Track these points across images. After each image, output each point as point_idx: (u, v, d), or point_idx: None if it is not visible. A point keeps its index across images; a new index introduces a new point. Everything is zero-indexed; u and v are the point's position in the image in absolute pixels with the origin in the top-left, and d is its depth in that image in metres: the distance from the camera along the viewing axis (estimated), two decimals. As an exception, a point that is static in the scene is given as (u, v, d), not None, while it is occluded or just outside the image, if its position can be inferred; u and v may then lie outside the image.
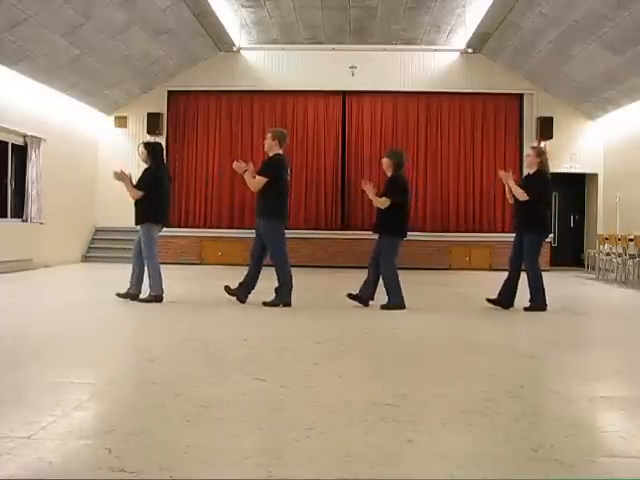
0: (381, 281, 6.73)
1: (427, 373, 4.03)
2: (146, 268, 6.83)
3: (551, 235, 13.65)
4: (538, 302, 6.65)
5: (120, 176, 6.88)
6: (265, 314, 6.38)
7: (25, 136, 11.07)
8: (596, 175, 13.98)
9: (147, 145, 7.15)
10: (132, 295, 6.84)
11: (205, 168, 14.28)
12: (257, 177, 6.66)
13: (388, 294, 6.67)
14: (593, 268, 12.12)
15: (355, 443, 2.68)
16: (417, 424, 2.89)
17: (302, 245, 13.52)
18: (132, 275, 6.93)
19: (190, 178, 14.34)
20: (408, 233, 6.92)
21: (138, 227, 7.01)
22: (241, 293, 6.77)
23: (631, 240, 10.38)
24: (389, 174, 6.83)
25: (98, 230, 13.82)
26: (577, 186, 14.55)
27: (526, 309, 6.66)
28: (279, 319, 6.13)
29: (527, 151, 6.92)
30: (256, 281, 6.79)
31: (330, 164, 14.20)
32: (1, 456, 2.40)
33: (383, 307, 6.62)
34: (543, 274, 6.78)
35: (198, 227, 14.02)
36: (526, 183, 6.79)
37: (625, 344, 5.24)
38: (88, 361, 4.25)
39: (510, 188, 6.70)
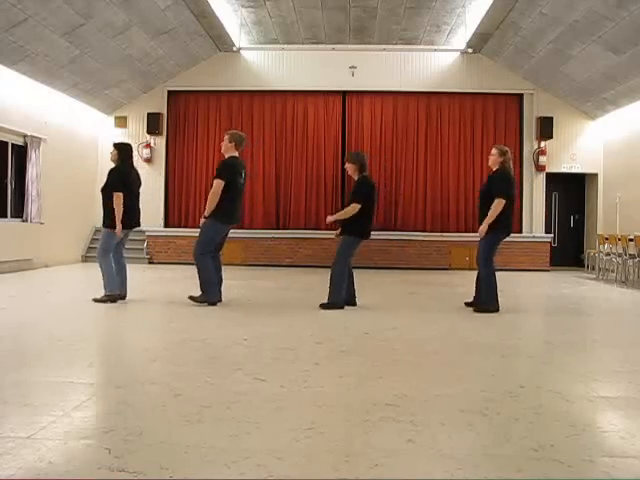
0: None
1: (427, 373, 4.03)
2: (98, 267, 6.81)
3: (550, 235, 13.76)
4: (489, 302, 6.57)
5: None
6: (264, 314, 6.38)
7: (25, 136, 11.08)
8: (596, 175, 13.99)
9: (116, 145, 7.09)
10: (117, 296, 6.84)
11: (205, 168, 14.29)
12: (215, 181, 6.64)
13: (331, 292, 6.66)
14: (593, 268, 12.11)
15: (355, 443, 2.68)
16: (417, 424, 2.89)
17: (302, 245, 13.54)
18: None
19: (190, 178, 14.36)
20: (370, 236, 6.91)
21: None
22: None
23: (631, 240, 10.37)
24: (355, 178, 6.81)
25: (98, 230, 13.78)
26: (577, 186, 14.55)
27: (476, 310, 6.60)
28: (279, 319, 6.13)
29: (492, 150, 6.90)
30: (219, 274, 6.86)
31: (330, 164, 14.21)
32: (1, 456, 2.40)
33: (323, 306, 6.64)
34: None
35: (198, 227, 13.98)
36: (489, 184, 6.73)
37: (625, 344, 5.24)
38: (88, 361, 4.25)
39: (488, 222, 6.53)
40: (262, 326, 5.68)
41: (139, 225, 7.19)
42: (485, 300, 6.59)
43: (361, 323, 5.93)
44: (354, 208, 6.57)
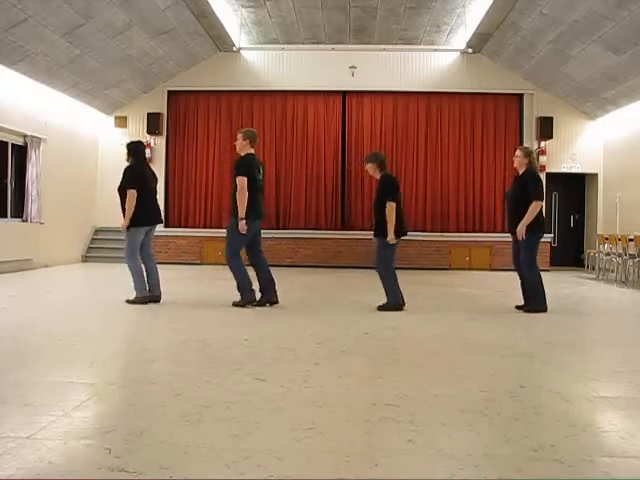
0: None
1: (427, 373, 4.03)
2: (128, 269, 6.78)
3: (550, 235, 13.75)
4: (539, 304, 6.63)
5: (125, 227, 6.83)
6: (264, 314, 6.38)
7: (25, 136, 11.08)
8: (596, 175, 13.99)
9: (128, 145, 7.07)
10: (150, 298, 6.83)
11: (205, 168, 14.30)
12: (237, 179, 6.56)
13: (387, 293, 6.66)
14: (593, 268, 12.12)
15: (355, 443, 2.68)
16: (417, 424, 2.89)
17: (302, 245, 13.54)
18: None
19: (190, 178, 14.36)
20: (408, 232, 6.93)
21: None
22: (268, 297, 6.79)
23: (631, 240, 10.38)
24: (377, 177, 6.81)
25: (98, 230, 13.83)
26: (577, 186, 14.55)
27: (527, 310, 6.64)
28: (278, 319, 6.13)
29: (516, 152, 6.90)
30: (270, 277, 6.78)
31: (330, 164, 14.21)
32: (1, 456, 2.40)
33: (380, 308, 6.62)
34: (542, 274, 6.77)
35: (198, 227, 14.03)
36: (519, 186, 6.72)
37: (625, 344, 5.25)
38: (88, 361, 4.25)
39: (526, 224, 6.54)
40: (262, 326, 5.68)
41: (161, 222, 7.20)
42: (536, 303, 6.62)
43: (361, 323, 5.92)
44: (392, 208, 6.54)
